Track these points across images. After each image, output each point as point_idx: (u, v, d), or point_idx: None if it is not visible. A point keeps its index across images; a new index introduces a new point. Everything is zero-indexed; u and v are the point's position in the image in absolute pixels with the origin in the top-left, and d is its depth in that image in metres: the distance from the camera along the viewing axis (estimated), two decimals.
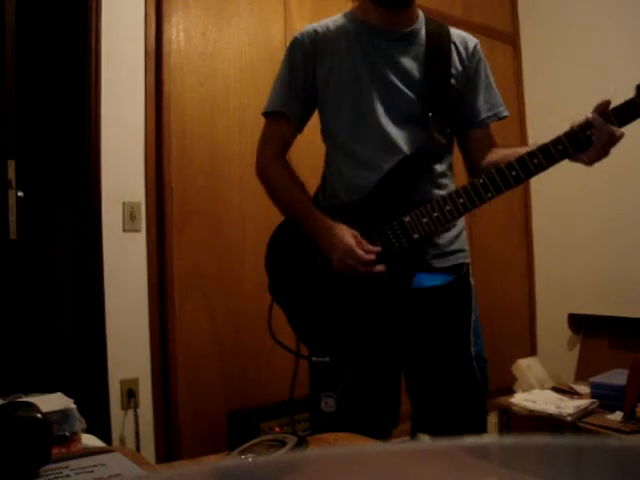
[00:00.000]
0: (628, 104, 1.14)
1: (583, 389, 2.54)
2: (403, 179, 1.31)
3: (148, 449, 2.26)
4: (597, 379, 2.44)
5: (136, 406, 2.25)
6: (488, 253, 3.19)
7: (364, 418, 1.35)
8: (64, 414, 1.00)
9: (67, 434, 0.99)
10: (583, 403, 2.34)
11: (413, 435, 1.42)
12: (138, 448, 2.20)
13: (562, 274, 3.29)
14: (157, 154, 2.35)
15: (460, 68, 1.37)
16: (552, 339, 3.33)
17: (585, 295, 3.13)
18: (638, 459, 0.27)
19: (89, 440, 1.12)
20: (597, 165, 1.18)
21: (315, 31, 1.39)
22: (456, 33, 1.40)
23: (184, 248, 2.36)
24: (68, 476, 0.78)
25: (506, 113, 1.42)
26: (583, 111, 1.20)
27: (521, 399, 2.48)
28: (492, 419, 2.53)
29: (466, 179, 1.33)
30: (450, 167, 1.41)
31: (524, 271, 3.48)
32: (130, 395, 2.24)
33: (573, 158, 1.19)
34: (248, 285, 2.42)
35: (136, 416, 2.24)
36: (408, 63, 1.34)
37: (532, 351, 3.39)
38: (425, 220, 1.25)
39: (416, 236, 1.27)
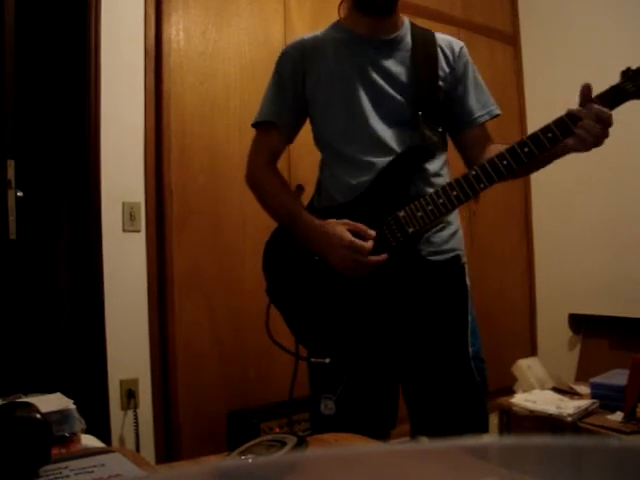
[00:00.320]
0: (614, 89, 1.15)
1: (583, 389, 2.55)
2: (396, 177, 1.32)
3: (148, 449, 2.26)
4: (597, 379, 2.44)
5: (136, 406, 2.25)
6: (488, 251, 3.19)
7: (363, 419, 1.36)
8: (64, 414, 1.01)
9: (67, 434, 1.00)
10: (583, 403, 2.35)
11: (413, 436, 1.42)
12: (138, 448, 2.20)
13: (562, 274, 3.29)
14: (157, 154, 2.35)
15: (447, 70, 1.39)
16: (552, 339, 3.33)
17: (585, 295, 3.13)
18: (638, 459, 0.27)
19: (89, 440, 1.12)
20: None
21: (303, 42, 1.42)
22: (441, 37, 1.42)
23: (184, 248, 2.36)
24: (68, 476, 0.78)
25: (499, 111, 1.43)
26: None
27: (521, 399, 2.48)
28: (492, 419, 2.53)
29: None
30: (444, 166, 1.41)
31: (524, 269, 3.48)
32: (130, 395, 2.24)
33: (567, 147, 1.18)
34: (248, 285, 2.42)
35: (136, 416, 2.24)
36: (395, 68, 1.36)
37: (532, 351, 3.39)
38: (420, 214, 1.26)
39: (411, 230, 1.27)
